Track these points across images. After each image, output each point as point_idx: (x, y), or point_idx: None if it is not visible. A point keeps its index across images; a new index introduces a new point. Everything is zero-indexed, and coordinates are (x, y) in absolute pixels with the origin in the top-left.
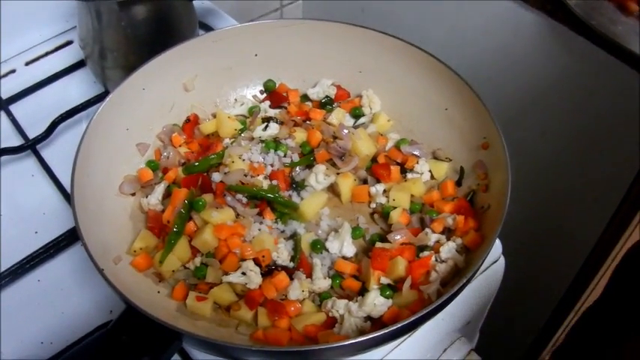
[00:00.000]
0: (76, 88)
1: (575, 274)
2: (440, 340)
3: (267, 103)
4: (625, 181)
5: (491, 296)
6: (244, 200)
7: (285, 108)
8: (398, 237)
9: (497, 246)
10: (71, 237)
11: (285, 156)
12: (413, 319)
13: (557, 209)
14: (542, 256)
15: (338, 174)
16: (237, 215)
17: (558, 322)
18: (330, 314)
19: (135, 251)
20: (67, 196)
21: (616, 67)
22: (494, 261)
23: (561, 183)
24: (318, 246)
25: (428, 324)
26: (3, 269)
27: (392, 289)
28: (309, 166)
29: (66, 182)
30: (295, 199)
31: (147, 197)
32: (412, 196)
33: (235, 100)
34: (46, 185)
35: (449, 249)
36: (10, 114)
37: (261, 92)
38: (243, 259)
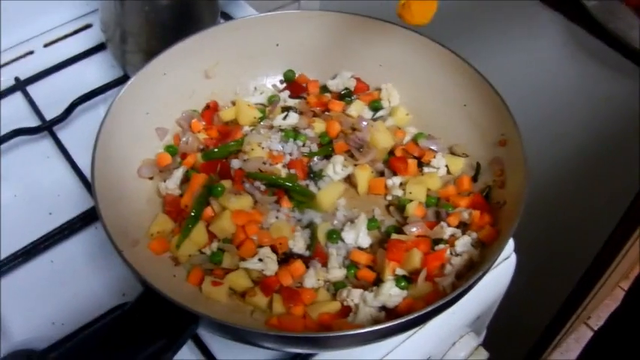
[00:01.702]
0: (94, 71)
1: (581, 276)
2: (449, 334)
3: (287, 92)
4: (636, 187)
5: (502, 292)
6: (262, 188)
7: (305, 98)
8: (414, 229)
9: (510, 243)
10: (85, 219)
11: (303, 145)
12: (429, 309)
13: (567, 211)
14: (551, 256)
15: (355, 165)
16: (255, 202)
17: (561, 324)
18: (345, 303)
19: (152, 235)
20: (83, 179)
21: (633, 71)
22: (506, 257)
23: (573, 185)
24: (334, 236)
25: (439, 317)
26: (17, 249)
27: (407, 280)
28: (327, 156)
29: (82, 164)
30: (312, 188)
31: (165, 182)
32: (428, 189)
33: (255, 88)
34: (62, 167)
35: (464, 243)
36: (27, 95)
37: (281, 82)
38: (261, 246)
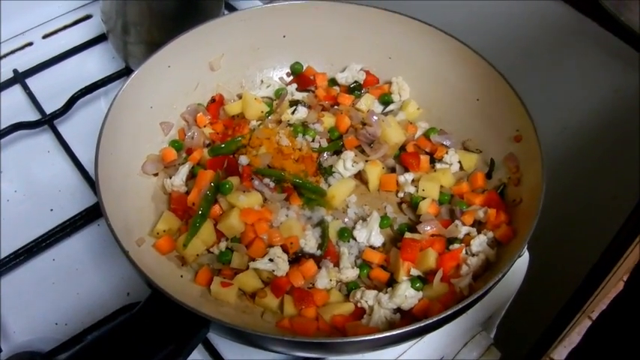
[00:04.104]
0: (95, 63)
1: (588, 272)
2: (462, 334)
3: (294, 85)
4: None
5: (515, 290)
6: (271, 184)
7: (313, 92)
8: (428, 228)
9: None
10: (88, 216)
11: (313, 141)
12: (449, 313)
13: (574, 207)
14: (558, 252)
15: (366, 161)
16: (265, 200)
17: (567, 320)
18: (359, 305)
19: (158, 233)
20: (84, 174)
21: None
22: (520, 256)
23: (580, 179)
24: (346, 234)
25: None
26: (18, 247)
27: (422, 281)
28: (337, 152)
29: (83, 159)
30: (322, 185)
31: (170, 178)
32: (441, 186)
33: (261, 81)
34: (63, 162)
35: (480, 242)
36: (26, 88)
37: (288, 75)
38: (271, 246)
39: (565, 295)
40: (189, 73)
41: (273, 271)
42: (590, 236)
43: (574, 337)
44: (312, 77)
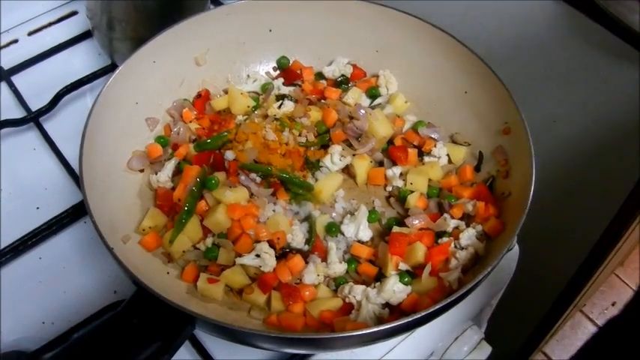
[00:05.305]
0: (80, 60)
1: (579, 265)
2: (452, 329)
3: (281, 80)
4: (636, 174)
5: (505, 284)
6: (258, 180)
7: (300, 86)
8: (416, 222)
9: None
10: (74, 213)
11: (300, 135)
12: (437, 307)
13: (565, 200)
14: (549, 245)
15: (354, 155)
16: (251, 195)
17: (559, 314)
18: (347, 300)
19: (144, 230)
20: (70, 171)
21: (633, 55)
22: (510, 249)
23: (571, 172)
24: (334, 229)
25: None
26: (4, 245)
27: (410, 275)
28: (324, 146)
29: (69, 156)
30: (309, 179)
31: (156, 174)
32: (429, 180)
33: (248, 76)
34: (49, 159)
35: (469, 235)
36: (12, 85)
37: (274, 69)
38: (258, 241)
39: (556, 289)
40: (174, 68)
41: (260, 266)
42: (580, 229)
43: (567, 331)
44: (298, 71)
